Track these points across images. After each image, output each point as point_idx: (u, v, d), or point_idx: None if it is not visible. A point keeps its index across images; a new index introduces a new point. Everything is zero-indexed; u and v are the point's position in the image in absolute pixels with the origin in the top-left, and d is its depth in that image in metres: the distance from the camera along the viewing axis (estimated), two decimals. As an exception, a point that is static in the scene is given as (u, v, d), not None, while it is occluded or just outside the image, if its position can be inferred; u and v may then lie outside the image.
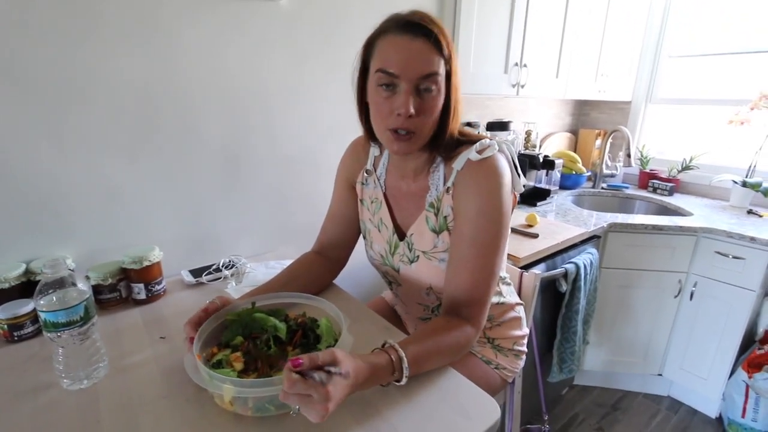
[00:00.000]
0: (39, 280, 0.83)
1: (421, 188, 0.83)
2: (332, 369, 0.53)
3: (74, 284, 0.66)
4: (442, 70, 0.69)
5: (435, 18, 0.70)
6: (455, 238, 0.76)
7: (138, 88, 0.96)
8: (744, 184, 1.85)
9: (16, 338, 0.79)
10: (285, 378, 0.51)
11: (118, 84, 0.94)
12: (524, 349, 1.01)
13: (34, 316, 0.80)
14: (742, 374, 1.61)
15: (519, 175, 0.81)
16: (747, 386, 1.58)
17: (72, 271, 0.85)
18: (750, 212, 1.81)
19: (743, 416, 1.59)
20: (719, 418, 1.77)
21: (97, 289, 0.89)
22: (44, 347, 0.78)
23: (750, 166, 1.90)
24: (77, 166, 0.93)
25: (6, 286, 0.81)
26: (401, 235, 0.88)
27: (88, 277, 0.89)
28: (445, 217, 0.79)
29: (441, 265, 0.82)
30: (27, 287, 0.85)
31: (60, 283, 0.64)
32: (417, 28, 0.67)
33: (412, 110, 0.68)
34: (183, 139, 1.06)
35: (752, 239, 1.52)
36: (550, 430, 1.29)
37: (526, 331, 1.01)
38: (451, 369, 0.71)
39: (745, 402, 1.59)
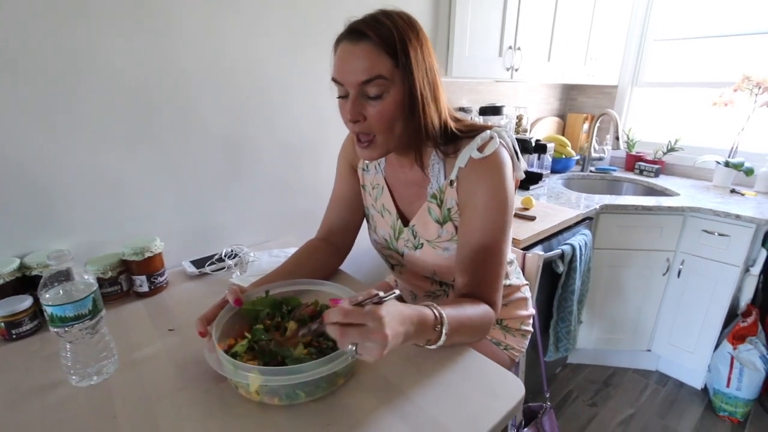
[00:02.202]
0: (35, 276, 0.80)
1: (419, 178, 0.83)
2: (381, 294, 0.52)
3: (78, 277, 0.63)
4: (387, 72, 0.66)
5: (391, 14, 0.68)
6: (464, 229, 0.76)
7: (134, 74, 0.92)
8: (727, 165, 1.91)
9: (14, 336, 0.75)
10: (337, 311, 0.50)
11: (113, 70, 0.89)
12: (530, 329, 1.02)
13: (32, 313, 0.77)
14: (727, 346, 1.68)
15: (519, 161, 0.80)
16: (732, 357, 1.66)
17: (70, 264, 0.81)
18: (733, 191, 1.87)
19: (728, 386, 1.67)
20: (705, 389, 1.85)
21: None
22: (45, 344, 0.75)
23: (732, 147, 1.96)
24: (72, 155, 0.88)
25: (0, 282, 0.77)
26: (405, 220, 0.87)
27: (86, 270, 0.85)
28: (449, 209, 0.79)
29: (445, 253, 0.82)
30: (22, 283, 0.81)
31: (65, 276, 0.61)
32: (358, 33, 0.66)
33: (354, 116, 0.69)
34: (181, 127, 1.02)
35: (737, 216, 1.57)
36: (551, 407, 1.32)
37: (532, 311, 1.03)
38: (471, 350, 0.71)
39: (730, 372, 1.66)
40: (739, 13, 1.96)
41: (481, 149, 0.73)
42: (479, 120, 1.80)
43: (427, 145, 0.77)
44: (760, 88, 1.81)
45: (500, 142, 0.75)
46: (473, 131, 0.76)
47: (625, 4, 2.10)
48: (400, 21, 0.67)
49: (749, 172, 1.86)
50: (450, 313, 0.63)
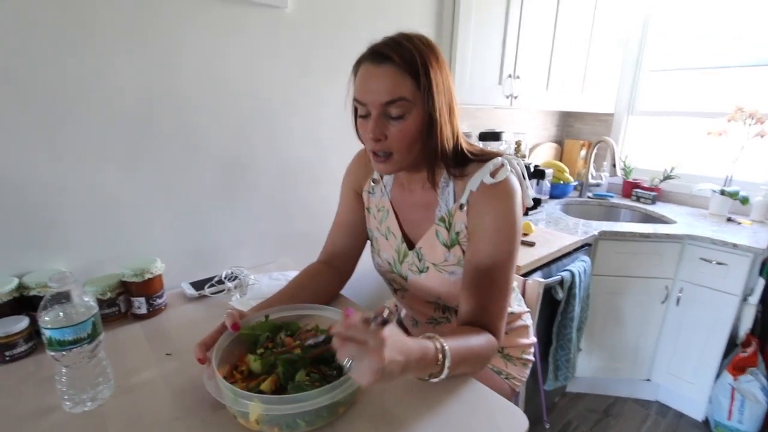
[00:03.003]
0: (33, 296, 0.79)
1: (428, 200, 0.83)
2: (387, 311, 0.53)
3: (78, 299, 0.62)
4: (409, 94, 0.69)
5: (412, 38, 0.70)
6: (472, 254, 0.76)
7: (136, 96, 0.93)
8: (722, 193, 1.93)
9: (7, 358, 0.74)
10: (343, 323, 0.52)
11: (115, 91, 0.90)
12: (531, 357, 1.01)
13: (28, 334, 0.75)
14: (727, 377, 1.66)
15: (527, 188, 0.81)
16: (732, 389, 1.64)
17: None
18: (729, 220, 1.89)
19: (729, 418, 1.64)
20: (706, 422, 1.82)
21: (94, 304, 0.84)
22: (40, 367, 0.73)
23: (727, 176, 1.99)
24: (72, 175, 0.88)
25: (-3, 302, 0.76)
26: (410, 243, 0.88)
27: (85, 292, 0.84)
28: (458, 233, 0.79)
29: (451, 277, 0.82)
30: (19, 303, 0.79)
31: (66, 297, 0.61)
32: (381, 56, 0.68)
33: (377, 135, 0.71)
34: (182, 147, 1.02)
35: (734, 246, 1.58)
36: (552, 437, 1.29)
37: (533, 339, 1.02)
38: (474, 380, 0.70)
39: (731, 404, 1.64)
40: (732, 46, 2.02)
41: (493, 175, 0.75)
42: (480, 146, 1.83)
43: (438, 165, 0.79)
44: (752, 118, 1.86)
45: (511, 170, 0.76)
46: (484, 156, 0.78)
47: (620, 36, 2.17)
48: (420, 44, 0.70)
49: (745, 200, 1.88)
50: (453, 345, 0.62)
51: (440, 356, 0.59)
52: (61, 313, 0.60)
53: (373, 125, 0.70)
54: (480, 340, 0.69)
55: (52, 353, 0.60)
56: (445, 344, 0.60)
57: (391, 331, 0.52)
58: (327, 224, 0.99)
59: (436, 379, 0.61)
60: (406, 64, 0.67)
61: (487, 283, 0.74)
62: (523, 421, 0.61)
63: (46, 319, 0.59)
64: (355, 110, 0.77)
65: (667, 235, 1.69)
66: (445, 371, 0.60)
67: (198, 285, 1.02)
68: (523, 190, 0.78)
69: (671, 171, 2.16)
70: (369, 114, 0.71)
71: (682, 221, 1.88)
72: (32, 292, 0.79)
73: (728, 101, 1.97)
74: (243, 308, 0.86)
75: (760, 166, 1.97)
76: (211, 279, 1.04)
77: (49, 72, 0.82)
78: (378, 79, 0.68)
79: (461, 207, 0.78)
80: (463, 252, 0.79)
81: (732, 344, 1.75)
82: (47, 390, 0.66)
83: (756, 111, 1.84)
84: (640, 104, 2.35)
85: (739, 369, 1.66)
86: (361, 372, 0.50)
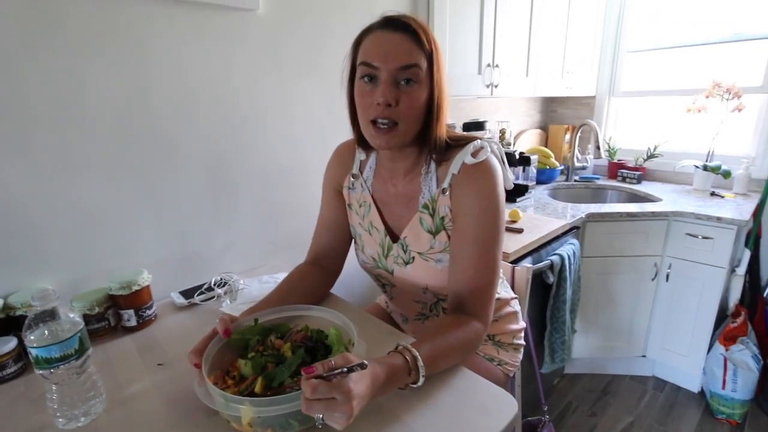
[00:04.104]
0: (19, 316, 0.79)
1: (411, 190, 0.84)
2: (348, 367, 0.51)
3: (64, 315, 0.62)
4: (423, 64, 0.71)
5: (421, 20, 0.74)
6: (457, 237, 0.77)
7: (116, 104, 0.92)
8: (705, 168, 1.96)
9: (-3, 380, 0.73)
10: (304, 386, 0.50)
11: (94, 100, 0.89)
12: (522, 342, 1.02)
13: (17, 354, 0.75)
14: (719, 348, 1.70)
15: (507, 171, 0.83)
16: (725, 359, 1.67)
17: (55, 302, 0.80)
18: (713, 194, 1.92)
19: (723, 388, 1.67)
20: (702, 393, 1.86)
21: (83, 320, 0.84)
22: (31, 387, 0.73)
23: (709, 151, 2.02)
24: (53, 189, 0.87)
25: (-17, 324, 0.75)
26: (394, 237, 0.88)
27: (72, 308, 0.83)
28: (442, 217, 0.80)
29: (438, 265, 0.82)
30: (5, 324, 0.79)
31: (51, 315, 0.60)
32: (398, 24, 0.71)
33: (389, 99, 0.70)
34: (163, 155, 1.02)
35: (719, 219, 1.61)
36: (550, 419, 1.31)
37: (523, 324, 1.03)
38: (464, 368, 0.71)
39: (725, 374, 1.67)
40: (706, 24, 2.04)
41: (474, 155, 0.76)
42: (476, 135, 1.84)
43: (427, 152, 0.80)
44: (730, 93, 1.88)
45: (490, 151, 0.78)
46: (463, 140, 0.80)
47: (597, 19, 2.18)
48: (428, 28, 0.74)
49: (727, 174, 1.91)
50: (428, 350, 0.63)
51: (411, 367, 0.61)
52: (46, 331, 0.59)
53: (385, 89, 0.70)
54: (461, 333, 0.70)
55: (41, 371, 0.60)
56: (417, 353, 0.61)
57: (356, 378, 0.52)
58: (314, 224, 1.00)
59: (415, 386, 0.62)
60: (423, 36, 0.70)
61: (475, 265, 0.75)
62: (513, 406, 0.63)
63: (32, 338, 0.59)
64: (351, 79, 0.77)
65: (652, 213, 1.71)
66: (421, 379, 0.62)
67: (187, 293, 1.02)
68: (503, 173, 0.80)
69: (654, 149, 2.19)
70: (375, 78, 0.72)
71: (667, 198, 1.90)
72: (18, 312, 0.79)
73: (706, 78, 2.00)
74: (234, 313, 0.86)
75: (740, 139, 2.00)
76: (200, 287, 1.04)
77: (25, 84, 0.81)
78: (395, 44, 0.70)
79: (444, 191, 0.79)
80: (449, 237, 0.80)
81: (722, 315, 1.78)
82: (39, 409, 0.66)
83: (733, 85, 1.87)
84: (620, 86, 2.36)
85: (730, 339, 1.69)
86: (333, 422, 0.51)
